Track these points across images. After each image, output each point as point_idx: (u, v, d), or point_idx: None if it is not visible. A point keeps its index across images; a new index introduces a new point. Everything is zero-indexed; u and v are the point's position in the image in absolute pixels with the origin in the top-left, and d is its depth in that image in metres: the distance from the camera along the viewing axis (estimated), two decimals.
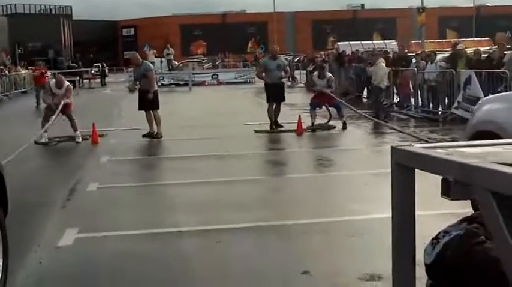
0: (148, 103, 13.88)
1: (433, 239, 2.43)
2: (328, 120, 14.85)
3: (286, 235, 6.43)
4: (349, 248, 5.97)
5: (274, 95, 14.76)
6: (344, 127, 14.43)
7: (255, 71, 35.36)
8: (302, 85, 32.89)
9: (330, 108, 15.04)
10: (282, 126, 14.61)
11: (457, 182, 1.46)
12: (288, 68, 16.17)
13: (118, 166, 11.02)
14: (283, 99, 15.06)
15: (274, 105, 14.78)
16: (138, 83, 14.27)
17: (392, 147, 1.85)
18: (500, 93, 7.45)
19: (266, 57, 16.22)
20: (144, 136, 13.72)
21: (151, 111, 13.90)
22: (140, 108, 14.11)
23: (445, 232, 2.39)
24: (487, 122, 6.56)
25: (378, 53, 22.03)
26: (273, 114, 14.73)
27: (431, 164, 1.57)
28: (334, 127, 14.50)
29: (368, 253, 5.70)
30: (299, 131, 13.75)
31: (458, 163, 1.44)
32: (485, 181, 1.37)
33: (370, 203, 7.49)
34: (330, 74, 16.19)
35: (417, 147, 1.74)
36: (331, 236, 6.42)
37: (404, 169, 1.77)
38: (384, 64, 18.25)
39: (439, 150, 1.68)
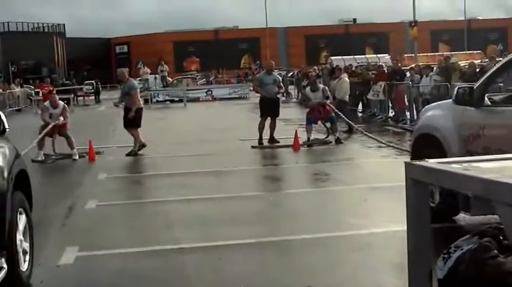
0: (129, 121, 13.93)
1: (444, 253, 2.42)
2: (327, 136, 14.87)
3: (287, 251, 6.41)
4: (350, 263, 5.95)
5: (270, 110, 14.77)
6: (338, 142, 14.45)
7: (248, 87, 35.48)
8: (296, 100, 32.96)
9: (326, 123, 15.09)
10: (278, 142, 14.61)
11: (477, 197, 1.47)
12: (281, 83, 16.22)
13: (116, 183, 11.00)
14: (278, 115, 15.08)
15: (268, 121, 14.78)
16: (123, 99, 14.35)
17: (406, 163, 1.85)
18: (440, 102, 8.49)
19: (262, 72, 16.30)
20: (127, 154, 13.77)
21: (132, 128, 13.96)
22: (124, 126, 14.19)
23: (456, 246, 2.38)
24: (428, 126, 7.57)
25: (340, 68, 22.55)
26: (269, 130, 14.73)
27: (449, 179, 1.58)
28: (331, 142, 14.52)
29: (370, 267, 5.70)
30: (296, 147, 13.76)
31: (478, 179, 1.45)
32: (508, 196, 1.38)
33: (369, 218, 7.50)
34: (323, 85, 16.40)
35: (433, 162, 1.75)
36: (332, 251, 6.41)
37: (419, 185, 1.78)
38: (347, 79, 19.12)
39: (454, 165, 1.69)
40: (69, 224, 7.80)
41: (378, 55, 48.46)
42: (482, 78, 7.04)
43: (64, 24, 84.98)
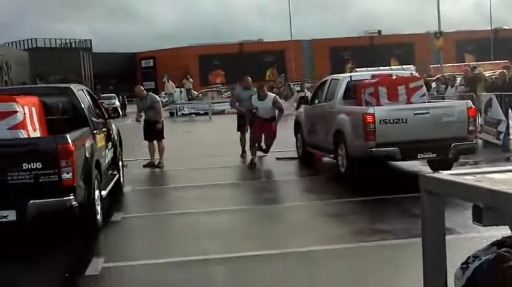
0: (157, 133, 14.18)
1: (462, 263, 2.43)
2: None
3: (310, 261, 6.44)
4: (377, 274, 5.95)
5: (247, 124, 14.77)
6: None
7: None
8: None
9: None
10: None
11: (488, 208, 1.50)
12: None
13: (142, 195, 11.14)
14: None
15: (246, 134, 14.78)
16: (141, 114, 14.54)
17: (421, 175, 1.89)
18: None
19: (239, 88, 16.22)
20: (145, 166, 13.99)
21: (155, 142, 14.20)
22: (146, 138, 14.36)
23: (475, 256, 2.40)
24: (297, 116, 14.92)
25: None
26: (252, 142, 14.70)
27: (461, 191, 1.61)
28: None
29: (394, 277, 5.70)
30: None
31: (489, 190, 1.48)
32: None
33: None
34: None
35: (446, 174, 1.78)
36: (358, 261, 6.42)
37: (433, 196, 1.81)
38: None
39: (468, 177, 1.72)
40: (95, 236, 7.91)
41: (403, 66, 48.19)
42: (313, 91, 15.66)
43: (90, 40, 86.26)
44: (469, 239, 6.46)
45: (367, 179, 11.00)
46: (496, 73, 18.99)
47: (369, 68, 43.20)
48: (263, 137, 14.19)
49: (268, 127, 13.85)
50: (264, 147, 14.36)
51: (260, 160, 13.90)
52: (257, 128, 13.94)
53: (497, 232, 2.35)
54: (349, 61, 76.41)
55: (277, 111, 13.86)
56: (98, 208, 8.00)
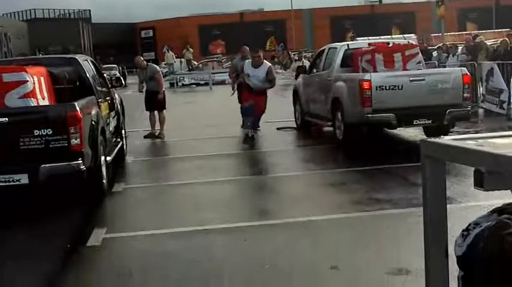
0: (158, 103, 14.12)
1: (463, 231, 2.43)
2: None
3: (311, 231, 6.45)
4: (377, 242, 5.97)
5: None
6: None
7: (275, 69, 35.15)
8: None
9: None
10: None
11: (490, 173, 1.48)
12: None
13: (143, 166, 11.15)
14: None
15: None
16: (143, 85, 14.45)
17: (421, 140, 1.87)
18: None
19: (237, 58, 15.62)
20: (146, 137, 13.97)
21: (155, 112, 14.15)
22: (147, 109, 14.30)
23: (476, 223, 2.39)
24: (295, 85, 15.01)
25: None
26: None
27: (463, 156, 1.59)
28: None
29: (395, 247, 5.71)
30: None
31: (491, 154, 1.46)
32: None
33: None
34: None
35: (447, 139, 1.76)
36: (357, 230, 6.44)
37: (434, 162, 1.79)
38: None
39: (469, 142, 1.70)
40: (97, 207, 7.92)
41: (404, 35, 47.82)
42: (311, 61, 15.72)
43: (89, 10, 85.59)
44: (469, 208, 6.47)
45: (367, 149, 10.99)
46: (498, 42, 18.83)
47: (369, 38, 42.89)
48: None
49: (258, 102, 12.76)
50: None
51: (260, 130, 13.84)
52: (245, 101, 13.01)
53: (497, 201, 2.33)
54: (350, 30, 75.86)
55: (267, 83, 12.77)
56: (104, 172, 8.45)
